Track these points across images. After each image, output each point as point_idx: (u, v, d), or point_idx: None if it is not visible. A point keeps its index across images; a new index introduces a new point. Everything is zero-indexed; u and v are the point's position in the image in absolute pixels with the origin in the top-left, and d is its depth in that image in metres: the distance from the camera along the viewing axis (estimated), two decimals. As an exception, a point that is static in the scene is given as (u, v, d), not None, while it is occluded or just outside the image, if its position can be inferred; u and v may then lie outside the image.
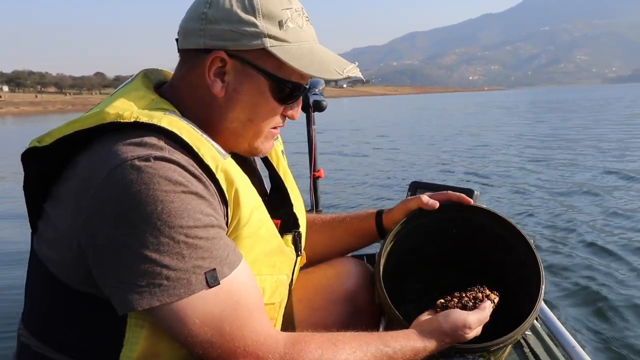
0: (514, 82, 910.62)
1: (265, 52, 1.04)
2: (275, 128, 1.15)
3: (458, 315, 1.22)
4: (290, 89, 1.09)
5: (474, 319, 1.22)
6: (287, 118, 1.16)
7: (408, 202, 1.50)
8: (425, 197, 1.48)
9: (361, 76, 1.16)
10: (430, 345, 1.18)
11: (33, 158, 1.03)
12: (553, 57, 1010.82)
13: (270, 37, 1.03)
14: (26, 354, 1.08)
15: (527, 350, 1.83)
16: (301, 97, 1.15)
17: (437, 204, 1.46)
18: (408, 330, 1.21)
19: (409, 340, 1.16)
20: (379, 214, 1.55)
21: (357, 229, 1.56)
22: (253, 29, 1.02)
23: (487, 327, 1.28)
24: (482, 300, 1.29)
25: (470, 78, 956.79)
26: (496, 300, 1.32)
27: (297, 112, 1.16)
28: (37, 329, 1.06)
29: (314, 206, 2.69)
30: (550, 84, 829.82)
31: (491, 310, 1.28)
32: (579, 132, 18.26)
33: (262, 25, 1.03)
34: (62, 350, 1.02)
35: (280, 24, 1.04)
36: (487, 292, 1.34)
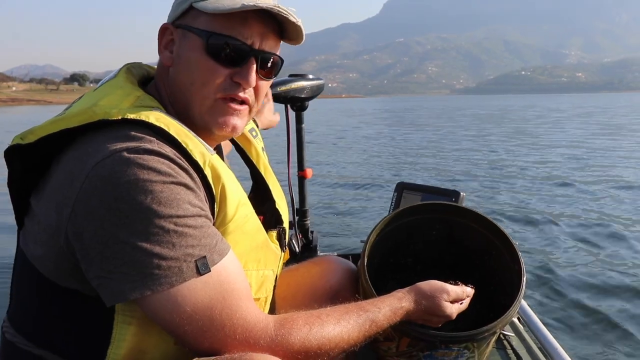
0: (371, 90, 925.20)
1: (196, 12, 1.07)
2: (230, 100, 1.10)
3: (438, 283, 1.30)
4: (224, 45, 1.07)
5: (452, 290, 1.29)
6: (247, 91, 1.11)
7: None
8: None
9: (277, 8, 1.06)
10: (407, 304, 1.23)
11: (16, 155, 1.03)
12: (407, 67, 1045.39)
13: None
14: (11, 351, 1.06)
15: (510, 351, 1.83)
16: (254, 63, 1.10)
17: None
18: (385, 295, 1.25)
19: (385, 301, 1.21)
20: None
21: None
22: None
23: (471, 328, 1.32)
24: None
25: (330, 85, 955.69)
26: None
27: (248, 77, 1.09)
28: (22, 326, 1.05)
29: (294, 207, 2.44)
30: (405, 93, 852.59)
31: (471, 294, 1.34)
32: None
33: None
34: (48, 348, 1.01)
35: None
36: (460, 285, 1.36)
